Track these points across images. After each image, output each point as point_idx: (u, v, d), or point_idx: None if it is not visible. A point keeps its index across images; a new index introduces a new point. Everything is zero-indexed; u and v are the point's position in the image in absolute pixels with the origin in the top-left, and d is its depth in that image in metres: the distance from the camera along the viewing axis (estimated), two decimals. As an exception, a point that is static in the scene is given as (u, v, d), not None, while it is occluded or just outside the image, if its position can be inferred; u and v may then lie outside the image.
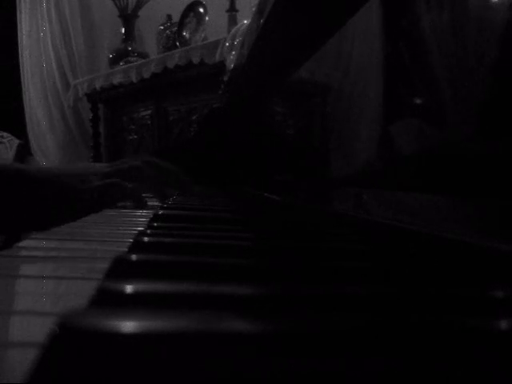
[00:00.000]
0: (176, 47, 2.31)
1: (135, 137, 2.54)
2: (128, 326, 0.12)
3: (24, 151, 3.23)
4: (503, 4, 0.27)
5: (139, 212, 0.65)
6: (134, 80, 2.34)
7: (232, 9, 2.14)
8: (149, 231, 0.35)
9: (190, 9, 2.34)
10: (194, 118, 2.14)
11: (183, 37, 2.34)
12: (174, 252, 0.27)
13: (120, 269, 0.21)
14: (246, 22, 1.58)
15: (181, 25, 2.36)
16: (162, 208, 0.56)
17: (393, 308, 0.17)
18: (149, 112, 2.42)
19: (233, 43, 1.63)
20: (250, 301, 0.17)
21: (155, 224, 0.39)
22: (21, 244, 0.35)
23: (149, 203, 0.70)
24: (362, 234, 0.39)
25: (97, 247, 0.37)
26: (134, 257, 0.22)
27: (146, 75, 2.26)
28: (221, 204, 0.71)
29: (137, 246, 0.28)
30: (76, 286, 0.25)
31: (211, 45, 1.91)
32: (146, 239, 0.30)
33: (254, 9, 0.79)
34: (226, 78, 1.28)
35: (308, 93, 0.71)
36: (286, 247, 0.31)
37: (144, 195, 0.80)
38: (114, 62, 2.68)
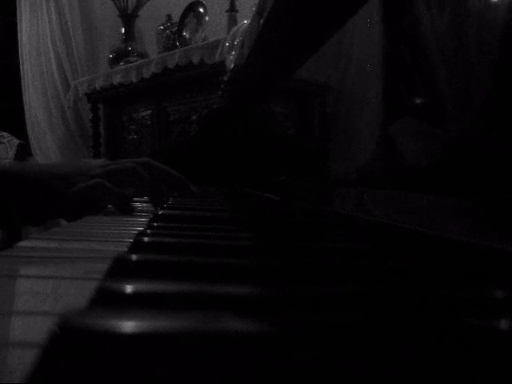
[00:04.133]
0: (176, 47, 2.31)
1: (135, 137, 2.54)
2: (128, 325, 0.12)
3: (24, 151, 3.23)
4: (503, 4, 0.27)
5: (139, 212, 0.64)
6: (134, 80, 2.33)
7: (232, 9, 2.14)
8: (149, 231, 0.35)
9: (190, 9, 2.34)
10: (193, 117, 2.14)
11: (183, 37, 2.34)
12: (174, 252, 0.27)
13: (120, 269, 0.21)
14: (245, 21, 1.58)
15: (181, 25, 2.36)
16: (162, 208, 0.56)
17: (393, 308, 0.17)
18: (149, 112, 2.42)
19: (233, 43, 1.62)
20: (249, 301, 0.17)
21: (155, 224, 0.39)
22: (21, 244, 0.35)
23: (141, 208, 0.67)
24: (362, 234, 0.39)
25: (97, 247, 0.37)
26: (133, 257, 0.22)
27: (146, 75, 2.26)
28: (221, 204, 0.71)
29: (137, 245, 0.28)
30: (76, 286, 0.25)
31: (211, 45, 1.91)
32: (145, 239, 0.30)
33: (254, 9, 0.79)
34: (225, 78, 1.28)
35: (308, 93, 0.71)
36: (285, 247, 0.31)
37: (139, 200, 0.74)
38: (113, 62, 2.68)
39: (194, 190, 0.75)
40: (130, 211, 0.61)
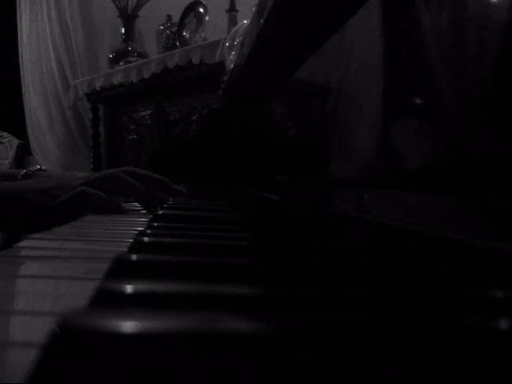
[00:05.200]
0: (176, 47, 2.31)
1: (135, 137, 2.54)
2: (128, 325, 0.12)
3: (24, 151, 3.23)
4: (503, 4, 0.27)
5: (139, 212, 0.64)
6: (134, 80, 2.34)
7: (232, 9, 2.14)
8: (149, 231, 0.34)
9: (190, 9, 2.34)
10: (194, 118, 2.14)
11: (183, 37, 2.34)
12: (174, 252, 0.27)
13: (120, 269, 0.21)
14: (245, 21, 1.58)
15: (181, 25, 2.36)
16: (162, 208, 0.56)
17: (392, 308, 0.17)
18: (149, 112, 2.42)
19: (233, 43, 1.62)
20: (249, 301, 0.17)
21: (155, 224, 0.39)
22: (21, 244, 0.35)
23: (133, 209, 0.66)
24: (362, 234, 0.39)
25: (97, 247, 0.37)
26: (133, 257, 0.22)
27: (146, 75, 2.26)
28: (221, 204, 0.71)
29: (137, 245, 0.28)
30: (76, 286, 0.25)
31: (211, 45, 1.91)
32: (145, 239, 0.30)
33: (254, 9, 0.79)
34: (225, 78, 1.28)
35: (308, 93, 0.71)
36: (285, 247, 0.31)
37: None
38: (114, 61, 2.68)
39: (179, 190, 0.74)
40: (120, 211, 0.61)
